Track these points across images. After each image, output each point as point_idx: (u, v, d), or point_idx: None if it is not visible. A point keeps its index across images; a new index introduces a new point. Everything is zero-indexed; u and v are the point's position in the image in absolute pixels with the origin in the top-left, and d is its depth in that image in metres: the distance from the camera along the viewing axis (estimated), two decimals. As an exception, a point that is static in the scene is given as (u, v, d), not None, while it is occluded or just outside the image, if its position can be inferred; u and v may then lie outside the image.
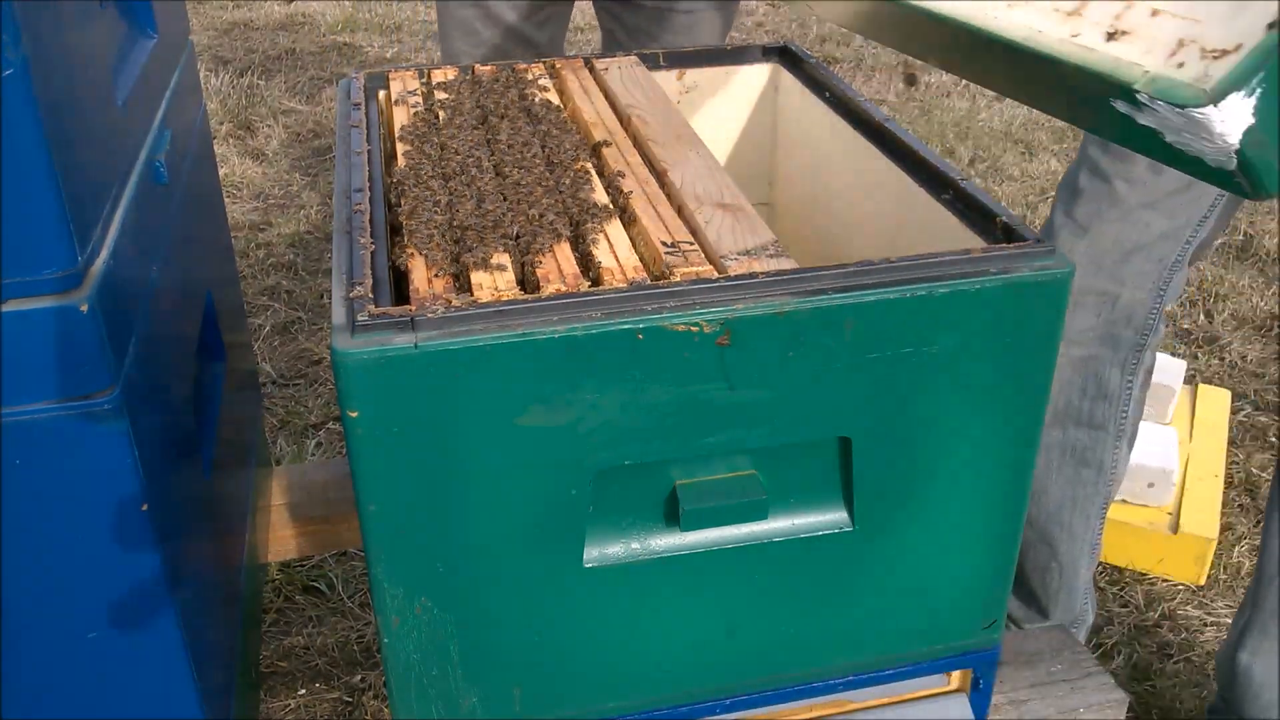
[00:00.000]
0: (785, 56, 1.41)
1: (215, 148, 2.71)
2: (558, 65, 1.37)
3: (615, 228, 1.00)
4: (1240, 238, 3.17)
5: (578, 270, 0.92)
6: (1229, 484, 2.26)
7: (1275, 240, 3.14)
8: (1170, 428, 2.23)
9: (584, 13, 4.46)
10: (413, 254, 0.94)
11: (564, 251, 0.95)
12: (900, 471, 0.96)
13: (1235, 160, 0.65)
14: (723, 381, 0.87)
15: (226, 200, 2.65)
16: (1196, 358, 2.68)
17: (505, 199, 1.03)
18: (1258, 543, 1.64)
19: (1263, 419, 2.47)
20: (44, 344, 0.95)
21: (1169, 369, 2.28)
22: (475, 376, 0.82)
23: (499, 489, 0.87)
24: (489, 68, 1.34)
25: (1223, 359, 2.68)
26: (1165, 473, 2.09)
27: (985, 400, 0.94)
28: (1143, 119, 0.69)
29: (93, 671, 1.11)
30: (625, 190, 1.06)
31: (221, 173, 3.13)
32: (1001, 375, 0.93)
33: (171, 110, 1.36)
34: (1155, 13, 0.73)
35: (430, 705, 0.96)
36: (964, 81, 4.34)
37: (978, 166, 3.62)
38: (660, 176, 1.10)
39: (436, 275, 0.91)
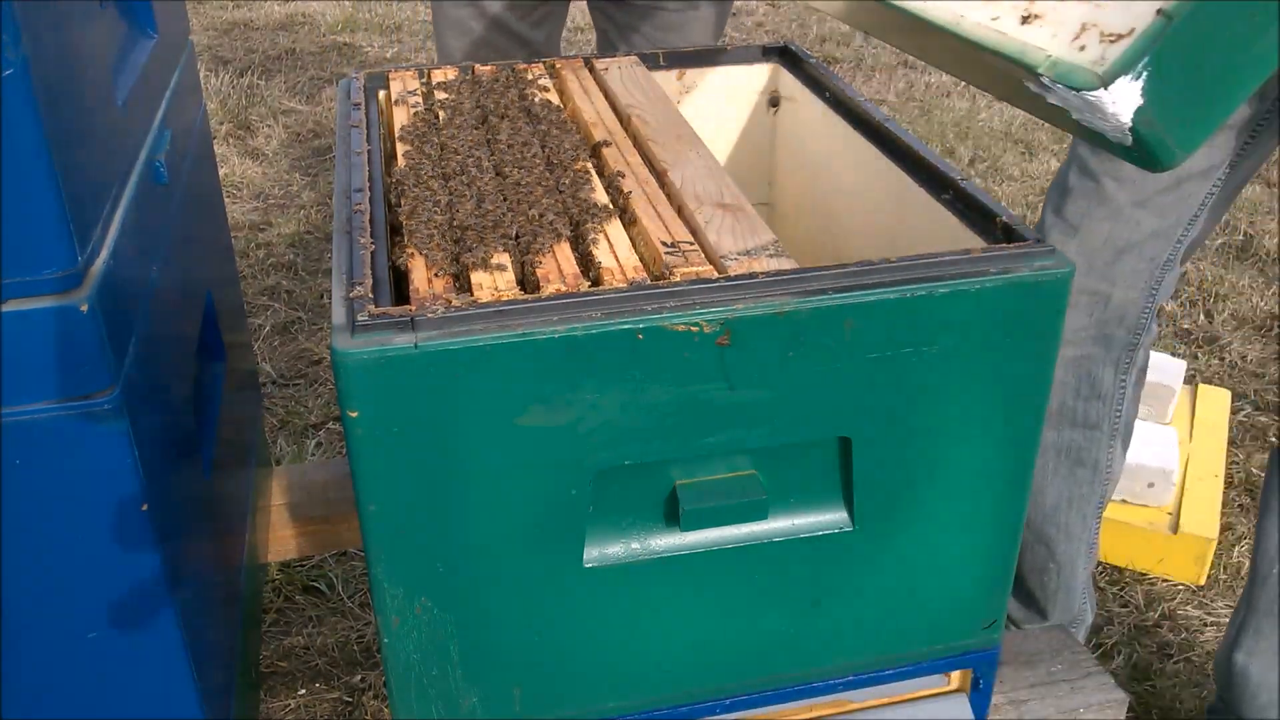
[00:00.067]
0: (785, 56, 1.41)
1: (215, 148, 2.71)
2: (558, 65, 1.37)
3: (615, 228, 1.00)
4: (1240, 238, 3.17)
5: (578, 270, 0.92)
6: (1229, 484, 2.26)
7: (1275, 240, 3.15)
8: (1170, 428, 2.23)
9: (583, 12, 4.46)
10: (413, 254, 0.94)
11: (564, 251, 0.95)
12: (900, 471, 0.96)
13: (1130, 137, 0.70)
14: (723, 381, 0.87)
15: (226, 200, 2.65)
16: (1196, 358, 2.68)
17: (505, 199, 1.03)
18: (1258, 543, 1.64)
19: (1263, 419, 2.47)
20: (44, 344, 0.95)
21: (1169, 369, 2.28)
22: (475, 376, 0.82)
23: (499, 489, 0.87)
24: (489, 68, 1.34)
25: (1223, 359, 2.68)
26: (1165, 473, 2.09)
27: (985, 400, 0.94)
28: (1051, 99, 0.74)
29: (93, 671, 1.11)
30: (625, 190, 1.06)
31: (221, 173, 3.13)
32: (1001, 375, 0.93)
33: (171, 110, 1.36)
34: None
35: (430, 705, 0.96)
36: (964, 82, 4.33)
37: (978, 166, 3.62)
38: (660, 176, 1.10)
39: (436, 275, 0.91)
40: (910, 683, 1.10)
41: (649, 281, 0.89)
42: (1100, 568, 2.09)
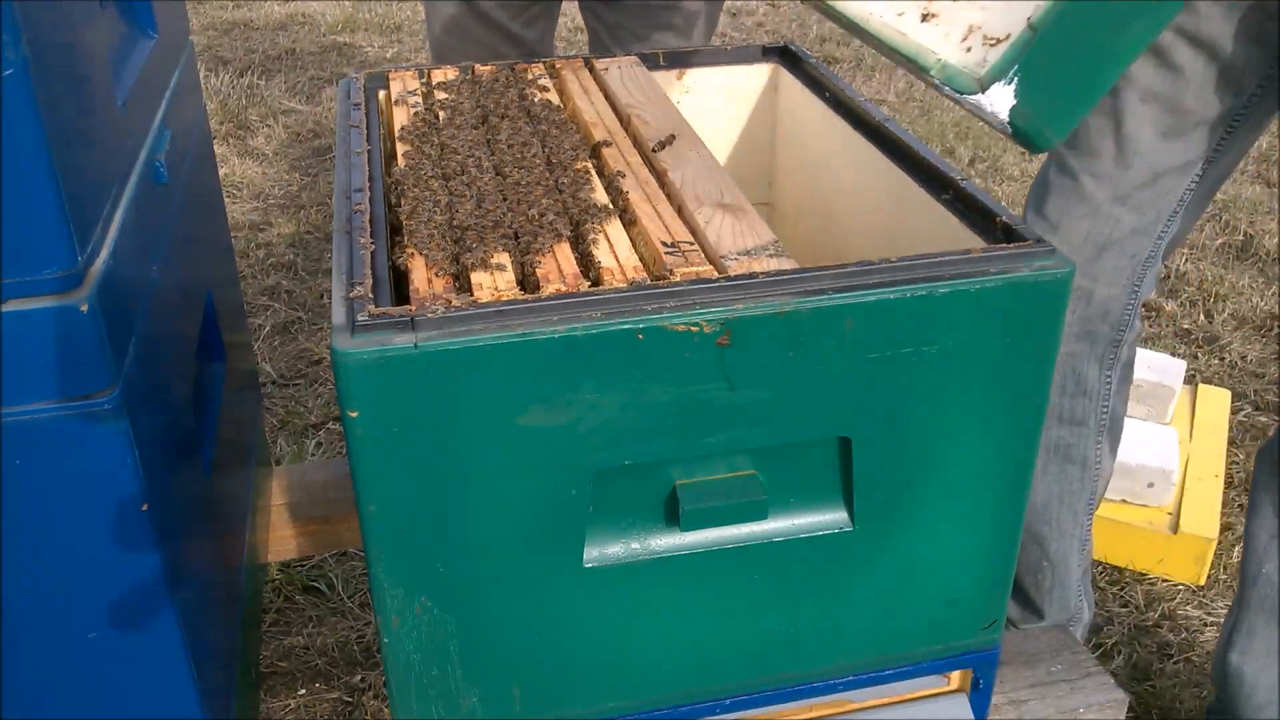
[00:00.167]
0: (785, 56, 1.41)
1: (215, 148, 2.71)
2: (557, 65, 1.37)
3: (615, 228, 1.00)
4: (1240, 238, 3.17)
5: (578, 270, 0.92)
6: (1229, 484, 2.26)
7: (1275, 240, 3.15)
8: (1170, 428, 2.23)
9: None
10: (413, 254, 0.94)
11: (564, 251, 0.95)
12: (900, 471, 0.96)
13: (1009, 129, 0.79)
14: (723, 381, 0.87)
15: (226, 200, 2.65)
16: (1196, 358, 2.68)
17: (505, 199, 1.03)
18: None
19: (1263, 419, 2.47)
20: (44, 344, 0.95)
21: (1169, 369, 2.28)
22: (475, 376, 0.82)
23: (499, 489, 0.87)
24: (489, 68, 1.34)
25: (1223, 359, 2.68)
26: (1165, 473, 2.09)
27: (985, 400, 0.94)
28: (945, 93, 0.83)
29: (93, 671, 1.11)
30: (625, 190, 1.06)
31: (221, 173, 3.13)
32: (1001, 375, 0.93)
33: (171, 110, 1.36)
34: None
35: (430, 705, 0.96)
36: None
37: (978, 166, 3.62)
38: (660, 176, 1.10)
39: (436, 275, 0.91)
40: (910, 683, 1.10)
41: (649, 281, 0.89)
42: (1100, 568, 2.09)
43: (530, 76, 1.32)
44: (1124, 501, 2.11)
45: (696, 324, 0.84)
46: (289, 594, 1.99)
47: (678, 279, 0.89)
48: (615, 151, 1.14)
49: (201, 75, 3.94)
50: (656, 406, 0.87)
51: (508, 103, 1.24)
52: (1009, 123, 0.79)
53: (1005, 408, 0.95)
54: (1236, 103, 1.39)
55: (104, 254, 1.00)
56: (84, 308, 0.95)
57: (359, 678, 1.83)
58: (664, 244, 0.96)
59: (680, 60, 1.41)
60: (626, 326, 0.83)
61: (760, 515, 0.95)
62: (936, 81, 0.82)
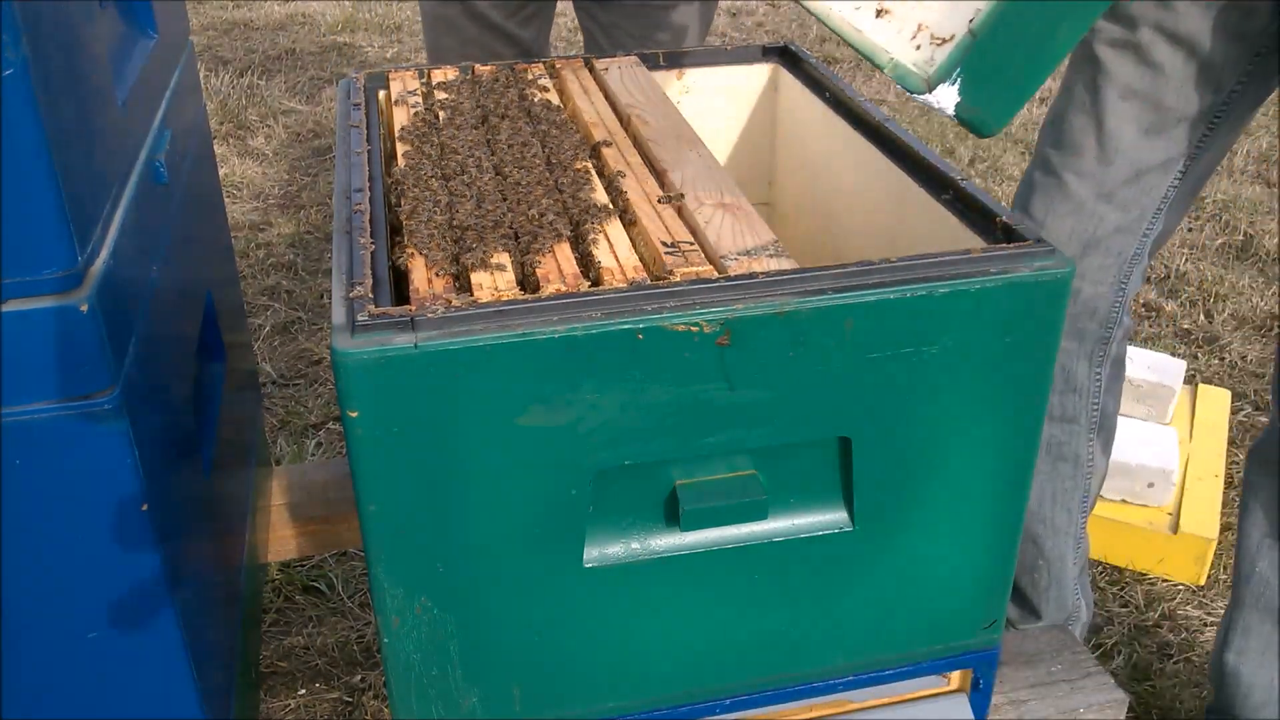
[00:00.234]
0: (785, 56, 1.41)
1: (215, 148, 2.71)
2: (557, 65, 1.37)
3: (615, 228, 1.00)
4: (1240, 238, 3.17)
5: (578, 270, 0.92)
6: (1229, 484, 2.26)
7: (1275, 240, 3.15)
8: (1170, 428, 2.23)
9: (584, 13, 4.46)
10: (413, 254, 0.94)
11: (564, 251, 0.95)
12: (900, 471, 0.96)
13: (955, 120, 0.86)
14: (723, 381, 0.87)
15: (226, 200, 2.65)
16: (1196, 358, 2.68)
17: (505, 199, 1.03)
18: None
19: (1263, 419, 2.47)
20: (44, 344, 0.95)
21: (1169, 369, 2.28)
22: (475, 376, 0.82)
23: (499, 489, 0.87)
24: (489, 68, 1.34)
25: (1223, 359, 2.68)
26: (1165, 473, 2.09)
27: (985, 400, 0.94)
28: (898, 86, 0.89)
29: (93, 671, 1.11)
30: (625, 190, 1.06)
31: (221, 173, 3.13)
32: (1001, 375, 0.93)
33: (171, 110, 1.36)
34: None
35: (430, 705, 0.96)
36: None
37: (978, 166, 3.62)
38: (660, 176, 1.10)
39: (436, 275, 0.91)
40: (910, 683, 1.10)
41: (649, 281, 0.89)
42: (1100, 568, 2.09)
43: (530, 76, 1.32)
44: (1124, 501, 2.11)
45: (696, 324, 0.84)
46: (289, 594, 1.99)
47: (678, 279, 0.89)
48: (615, 151, 1.14)
49: (201, 75, 3.94)
50: (656, 406, 0.87)
51: (508, 103, 1.24)
52: (955, 116, 0.85)
53: (1005, 407, 0.95)
54: (1217, 99, 1.40)
55: (104, 254, 1.00)
56: (84, 308, 0.95)
57: (359, 678, 1.83)
58: (664, 244, 0.96)
59: (680, 60, 1.41)
60: (626, 326, 0.83)
61: (760, 515, 0.95)
62: (889, 76, 0.89)
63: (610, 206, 1.03)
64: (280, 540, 1.64)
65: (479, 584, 0.91)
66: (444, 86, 1.28)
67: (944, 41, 0.85)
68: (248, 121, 3.85)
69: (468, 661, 0.95)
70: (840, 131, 1.25)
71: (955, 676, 1.11)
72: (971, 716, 1.12)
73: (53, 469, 1.00)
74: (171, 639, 1.11)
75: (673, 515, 0.94)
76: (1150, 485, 2.09)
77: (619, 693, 1.01)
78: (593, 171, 1.09)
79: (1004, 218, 0.97)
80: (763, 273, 0.89)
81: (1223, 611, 1.99)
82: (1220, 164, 1.53)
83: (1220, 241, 3.16)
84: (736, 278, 0.88)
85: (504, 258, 0.94)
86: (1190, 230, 3.23)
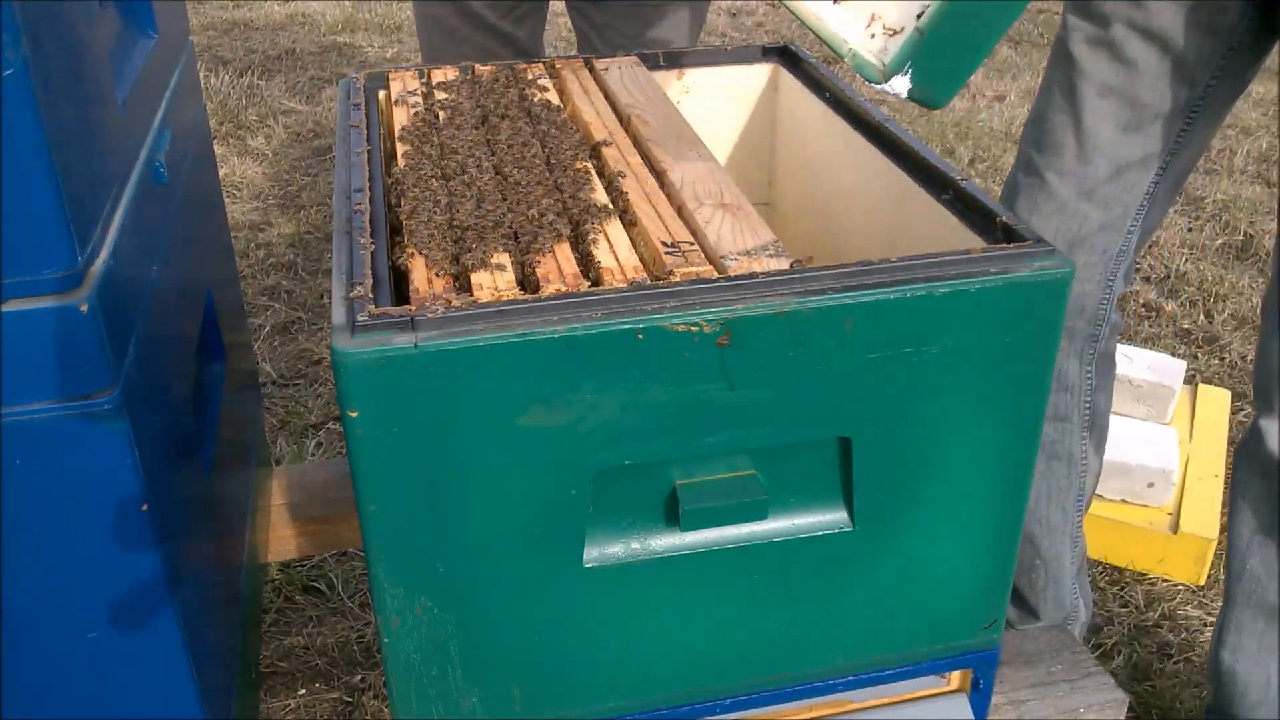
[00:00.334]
0: (785, 56, 1.41)
1: (215, 148, 2.71)
2: (557, 65, 1.37)
3: (615, 228, 1.00)
4: (1240, 238, 3.17)
5: (578, 270, 0.92)
6: (1229, 484, 2.26)
7: (1275, 240, 3.14)
8: (1170, 428, 2.23)
9: (584, 13, 4.46)
10: (413, 254, 0.94)
11: (564, 251, 0.95)
12: (900, 471, 0.96)
13: (907, 100, 0.97)
14: (723, 381, 0.87)
15: (226, 200, 2.65)
16: (1196, 358, 2.68)
17: (505, 199, 1.03)
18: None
19: (1263, 419, 2.46)
20: (44, 344, 0.95)
21: (1169, 369, 2.28)
22: (475, 376, 0.82)
23: (499, 489, 0.87)
24: (489, 68, 1.34)
25: (1223, 359, 2.68)
26: (1165, 473, 2.09)
27: (985, 400, 0.94)
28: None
29: (93, 671, 1.11)
30: (625, 190, 1.06)
31: (221, 173, 3.13)
32: (1001, 375, 0.93)
33: (171, 110, 1.36)
34: None
35: (430, 705, 0.96)
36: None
37: (978, 166, 3.62)
38: (660, 176, 1.10)
39: (436, 275, 0.91)
40: (910, 683, 1.10)
41: (649, 281, 0.89)
42: (1100, 568, 2.09)
43: (530, 77, 1.32)
44: (1124, 501, 2.11)
45: (696, 324, 0.84)
46: (289, 594, 1.99)
47: (678, 279, 0.89)
48: (615, 151, 1.14)
49: (201, 75, 3.94)
50: (656, 406, 0.87)
51: (508, 103, 1.24)
52: (908, 98, 0.97)
53: (1005, 407, 0.95)
54: (1192, 94, 1.41)
55: (104, 254, 1.00)
56: (84, 308, 0.95)
57: (359, 678, 1.83)
58: (664, 244, 0.96)
59: (680, 60, 1.41)
60: (626, 326, 0.83)
61: (760, 515, 0.95)
62: (849, 63, 0.99)
63: (610, 206, 1.03)
64: (280, 540, 1.64)
65: (479, 584, 0.91)
66: (444, 86, 1.28)
67: (895, 33, 0.96)
68: (247, 121, 3.85)
69: (468, 661, 0.95)
70: (840, 131, 1.25)
71: (955, 676, 1.11)
72: (971, 716, 1.12)
73: (53, 469, 1.00)
74: (171, 639, 1.11)
75: (673, 515, 0.94)
76: (1150, 485, 2.09)
77: (619, 693, 1.01)
78: (593, 171, 1.09)
79: (1004, 218, 0.97)
80: (763, 273, 0.89)
81: (1223, 611, 1.99)
82: (1199, 161, 1.54)
83: (1220, 241, 3.16)
84: (736, 278, 0.88)
85: (504, 258, 0.94)
86: (1190, 230, 3.23)
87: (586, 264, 0.95)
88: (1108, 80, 1.41)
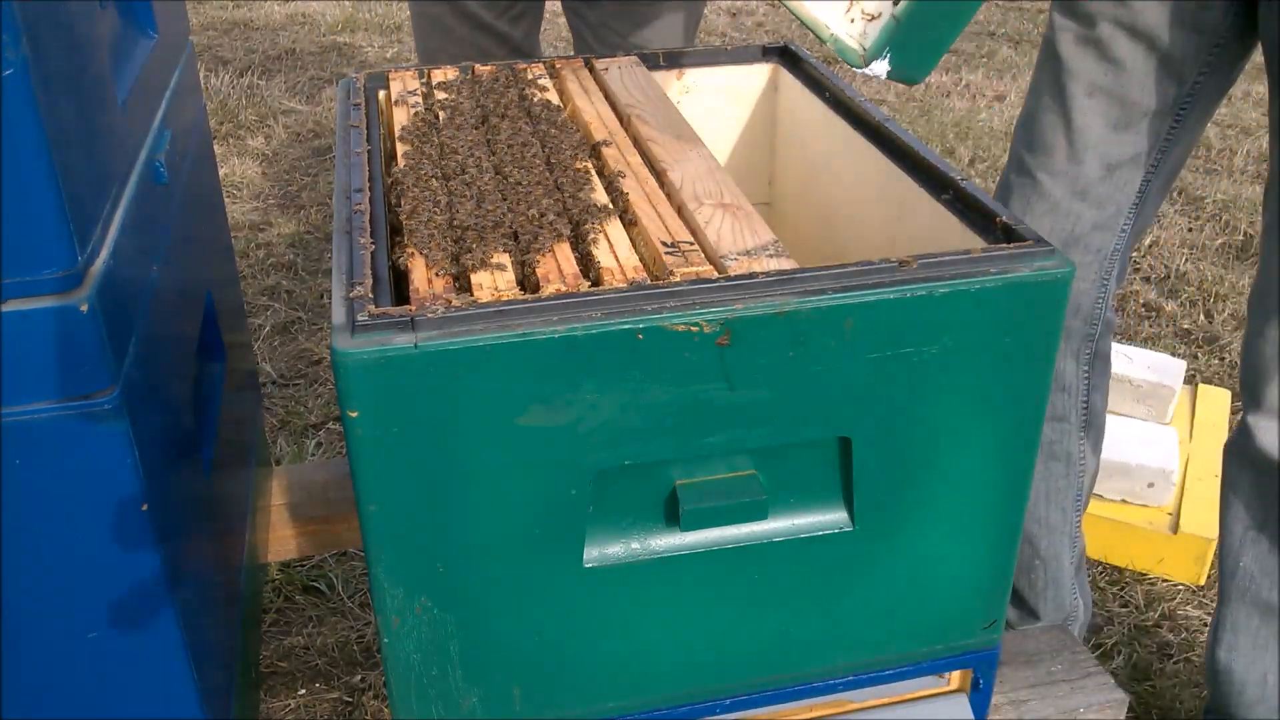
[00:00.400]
0: (785, 56, 1.41)
1: (215, 148, 2.71)
2: (557, 65, 1.37)
3: (615, 228, 1.00)
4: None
5: (578, 270, 0.92)
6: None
7: (1260, 238, 3.14)
8: (1170, 428, 2.23)
9: (584, 13, 4.45)
10: (413, 254, 0.94)
11: (564, 251, 0.95)
12: (900, 471, 0.96)
13: (886, 79, 1.03)
14: (723, 381, 0.87)
15: (226, 200, 2.65)
16: (1196, 358, 2.68)
17: (505, 199, 1.03)
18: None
19: (1263, 419, 2.46)
20: (44, 344, 0.95)
21: (1169, 369, 2.28)
22: (475, 376, 0.82)
23: (499, 489, 0.87)
24: (488, 68, 1.34)
25: (1223, 359, 2.68)
26: (1165, 473, 2.09)
27: (985, 400, 0.94)
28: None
29: (93, 671, 1.11)
30: (625, 190, 1.06)
31: (221, 173, 3.13)
32: (1001, 375, 0.93)
33: (171, 110, 1.36)
34: None
35: (430, 705, 0.97)
36: (964, 81, 4.34)
37: (978, 166, 3.63)
38: (660, 176, 1.10)
39: (436, 275, 0.91)
40: (910, 683, 1.10)
41: (649, 281, 0.89)
42: (1100, 568, 2.09)
43: (530, 76, 1.32)
44: (1124, 501, 2.11)
45: (696, 324, 0.84)
46: (289, 594, 1.99)
47: (678, 279, 0.89)
48: (615, 151, 1.14)
49: (201, 75, 3.94)
50: (656, 406, 0.87)
51: (508, 103, 1.24)
52: (886, 78, 1.02)
53: (1005, 407, 0.95)
54: (1180, 91, 1.41)
55: (104, 254, 1.00)
56: (84, 308, 0.95)
57: (359, 678, 1.84)
58: (664, 244, 0.96)
59: (680, 60, 1.41)
60: (626, 326, 0.83)
61: (760, 515, 0.95)
62: (831, 48, 1.04)
63: (610, 206, 1.03)
64: (280, 540, 1.64)
65: (479, 584, 0.91)
66: (444, 86, 1.28)
67: (873, 18, 1.02)
68: (247, 121, 3.85)
69: (468, 661, 0.95)
70: (840, 131, 1.25)
71: (955, 676, 1.11)
72: (971, 716, 1.12)
73: (53, 469, 1.00)
74: (171, 639, 1.11)
75: (673, 515, 0.94)
76: (1150, 485, 2.09)
77: (619, 693, 1.01)
78: (593, 171, 1.09)
79: (1004, 218, 0.97)
80: (763, 273, 0.89)
81: (1223, 611, 1.99)
82: (1193, 159, 1.54)
83: (1220, 241, 3.16)
84: (736, 278, 0.88)
85: (504, 258, 0.94)
86: (1190, 230, 3.23)
87: (586, 264, 0.95)
88: (1096, 79, 1.42)
